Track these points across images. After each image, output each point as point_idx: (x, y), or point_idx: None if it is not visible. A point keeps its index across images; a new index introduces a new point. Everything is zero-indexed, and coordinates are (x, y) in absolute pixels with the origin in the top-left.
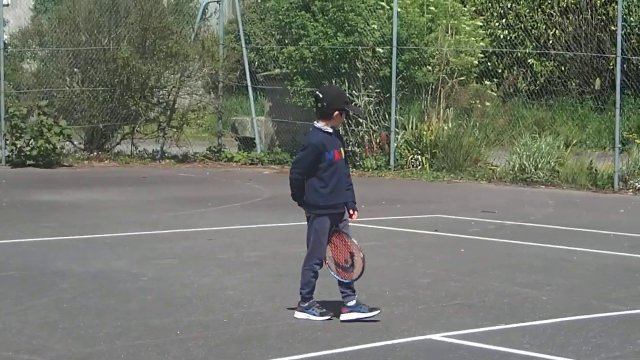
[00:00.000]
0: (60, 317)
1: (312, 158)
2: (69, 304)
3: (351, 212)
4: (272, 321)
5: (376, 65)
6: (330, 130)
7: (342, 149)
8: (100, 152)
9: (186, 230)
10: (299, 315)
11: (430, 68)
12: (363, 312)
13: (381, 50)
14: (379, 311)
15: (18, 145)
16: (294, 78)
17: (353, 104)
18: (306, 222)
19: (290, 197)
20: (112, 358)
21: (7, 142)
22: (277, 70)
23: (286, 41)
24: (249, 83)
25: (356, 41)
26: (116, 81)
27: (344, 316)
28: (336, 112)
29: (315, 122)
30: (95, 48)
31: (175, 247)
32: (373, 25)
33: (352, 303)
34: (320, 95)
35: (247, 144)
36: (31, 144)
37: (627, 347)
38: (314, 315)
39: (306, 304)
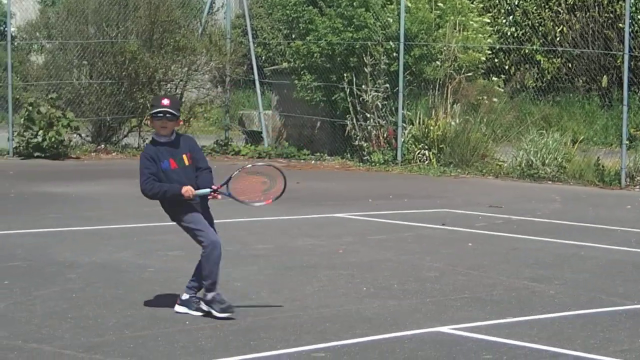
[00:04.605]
0: (69, 307)
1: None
2: (76, 294)
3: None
4: (279, 313)
5: (385, 61)
6: (163, 140)
7: (184, 155)
8: (107, 145)
9: None
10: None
11: (439, 64)
12: (191, 309)
13: (393, 45)
14: (201, 314)
15: (26, 137)
16: (301, 72)
17: (360, 99)
18: (313, 216)
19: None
20: (121, 347)
21: (16, 133)
22: (285, 65)
23: (293, 36)
24: (256, 77)
25: (365, 36)
26: (124, 74)
27: (176, 308)
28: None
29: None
30: (104, 41)
31: (182, 238)
32: (388, 19)
33: (186, 297)
34: None
35: (254, 137)
36: (39, 135)
37: (636, 340)
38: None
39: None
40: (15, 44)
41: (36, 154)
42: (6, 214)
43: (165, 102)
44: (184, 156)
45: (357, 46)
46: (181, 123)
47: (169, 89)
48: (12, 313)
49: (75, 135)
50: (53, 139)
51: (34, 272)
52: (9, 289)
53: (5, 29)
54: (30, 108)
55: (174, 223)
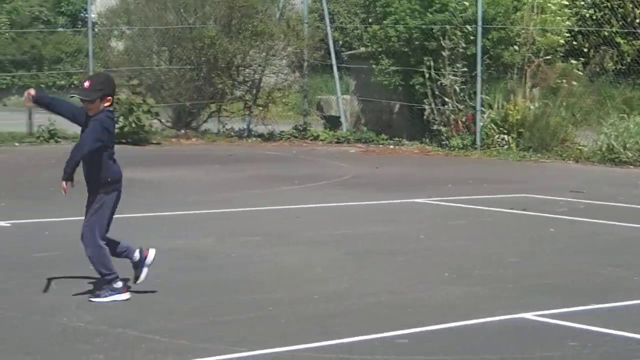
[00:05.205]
0: (151, 292)
1: None
2: (159, 280)
3: None
4: (359, 298)
5: (463, 44)
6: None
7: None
8: (187, 130)
9: (273, 208)
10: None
11: (517, 48)
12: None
13: (470, 28)
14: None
15: None
16: (379, 57)
17: (439, 83)
18: (392, 201)
19: None
20: (205, 332)
21: None
22: (362, 49)
23: (370, 20)
24: (333, 62)
25: (444, 20)
26: (203, 60)
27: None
28: None
29: None
30: (183, 27)
31: (262, 224)
32: (465, 3)
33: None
34: None
35: (333, 122)
36: (120, 121)
37: None
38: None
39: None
40: (96, 30)
41: (117, 139)
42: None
43: (86, 84)
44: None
45: (435, 30)
46: (107, 102)
47: (247, 74)
48: None
49: (155, 120)
50: (133, 125)
51: (116, 258)
52: (93, 274)
53: (86, 15)
54: None
55: (255, 208)
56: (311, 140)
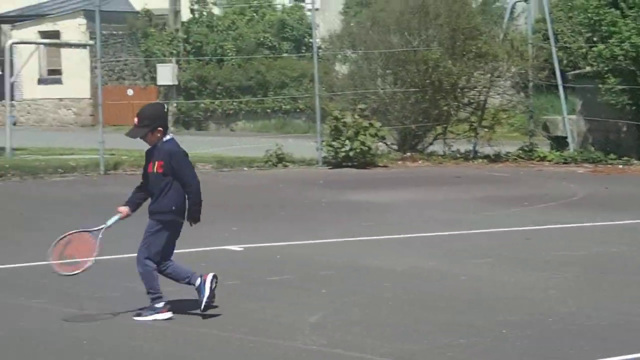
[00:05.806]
0: (386, 314)
1: None
2: (391, 302)
3: None
4: (593, 321)
5: None
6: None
7: (157, 162)
8: (413, 153)
9: (503, 230)
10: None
11: None
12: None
13: None
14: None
15: (334, 147)
16: (605, 76)
17: None
18: (624, 222)
19: None
20: (437, 356)
21: (324, 143)
22: (588, 68)
23: (595, 39)
24: (559, 82)
25: None
26: (427, 82)
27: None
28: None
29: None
30: (406, 50)
31: (492, 246)
32: None
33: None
34: None
35: (559, 143)
36: (346, 145)
37: None
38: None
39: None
40: (320, 54)
41: (344, 163)
42: (318, 223)
43: (135, 120)
44: (157, 162)
45: None
46: (158, 133)
47: (471, 96)
48: (331, 321)
49: (380, 143)
50: (358, 150)
51: (347, 279)
52: (326, 297)
53: (311, 40)
54: (336, 121)
55: (484, 230)
56: (538, 160)
